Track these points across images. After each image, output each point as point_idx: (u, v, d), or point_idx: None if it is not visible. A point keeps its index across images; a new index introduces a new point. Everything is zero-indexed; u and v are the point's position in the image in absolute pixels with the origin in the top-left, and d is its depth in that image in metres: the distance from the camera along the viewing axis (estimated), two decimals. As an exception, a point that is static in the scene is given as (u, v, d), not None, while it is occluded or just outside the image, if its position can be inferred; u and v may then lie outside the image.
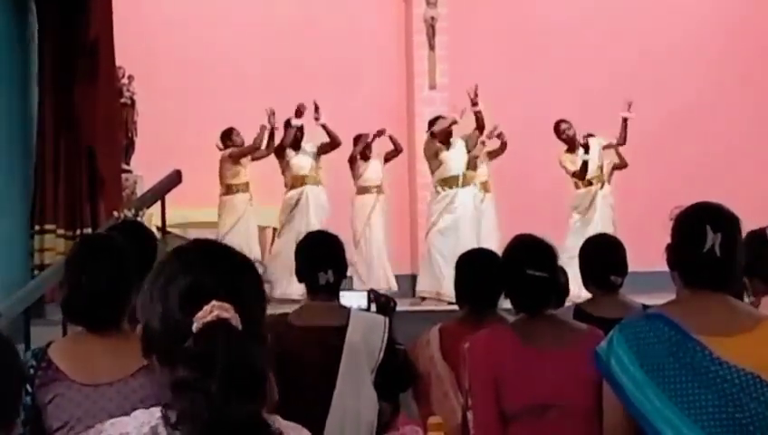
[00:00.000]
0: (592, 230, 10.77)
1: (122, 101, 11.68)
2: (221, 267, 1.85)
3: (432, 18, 14.18)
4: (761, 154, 14.72)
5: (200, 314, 1.74)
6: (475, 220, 11.06)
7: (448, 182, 11.02)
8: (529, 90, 14.04)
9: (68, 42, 8.73)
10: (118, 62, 10.02)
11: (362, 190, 11.81)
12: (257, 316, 1.83)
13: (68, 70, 8.74)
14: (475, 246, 10.39)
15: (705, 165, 14.24)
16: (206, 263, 1.86)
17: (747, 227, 3.20)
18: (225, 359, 1.70)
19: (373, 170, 11.80)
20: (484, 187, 11.76)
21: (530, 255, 3.74)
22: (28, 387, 2.99)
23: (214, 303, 1.75)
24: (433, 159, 11.06)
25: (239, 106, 12.05)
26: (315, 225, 10.51)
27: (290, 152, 11.44)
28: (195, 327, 1.74)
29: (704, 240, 2.84)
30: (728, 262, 2.87)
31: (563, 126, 11.40)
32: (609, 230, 10.00)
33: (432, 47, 14.24)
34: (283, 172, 11.51)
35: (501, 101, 13.29)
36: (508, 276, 3.79)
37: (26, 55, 8.79)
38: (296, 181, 11.45)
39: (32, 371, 3.01)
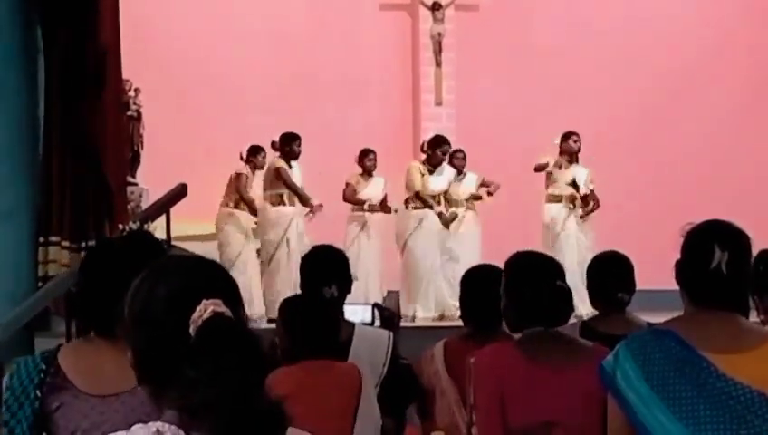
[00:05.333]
0: (569, 250, 10.77)
1: (129, 113, 11.70)
2: (197, 271, 1.88)
3: (439, 34, 14.20)
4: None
5: (195, 314, 1.75)
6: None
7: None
8: (534, 107, 14.05)
9: (75, 55, 8.73)
10: (124, 76, 10.05)
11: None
12: (240, 311, 1.84)
13: (74, 83, 8.74)
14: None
15: (717, 183, 14.19)
16: (181, 270, 1.89)
17: (758, 244, 3.18)
18: (235, 349, 1.72)
19: (371, 189, 11.69)
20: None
21: (553, 268, 3.76)
22: (37, 392, 2.98)
23: (205, 301, 1.76)
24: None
25: (245, 120, 12.07)
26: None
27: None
28: (193, 328, 1.74)
29: (711, 258, 2.84)
30: (735, 280, 2.87)
31: (573, 138, 11.40)
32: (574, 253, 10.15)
33: (438, 63, 14.26)
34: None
35: (506, 117, 13.33)
36: (535, 290, 3.71)
37: (33, 68, 8.80)
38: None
39: (41, 375, 2.99)
